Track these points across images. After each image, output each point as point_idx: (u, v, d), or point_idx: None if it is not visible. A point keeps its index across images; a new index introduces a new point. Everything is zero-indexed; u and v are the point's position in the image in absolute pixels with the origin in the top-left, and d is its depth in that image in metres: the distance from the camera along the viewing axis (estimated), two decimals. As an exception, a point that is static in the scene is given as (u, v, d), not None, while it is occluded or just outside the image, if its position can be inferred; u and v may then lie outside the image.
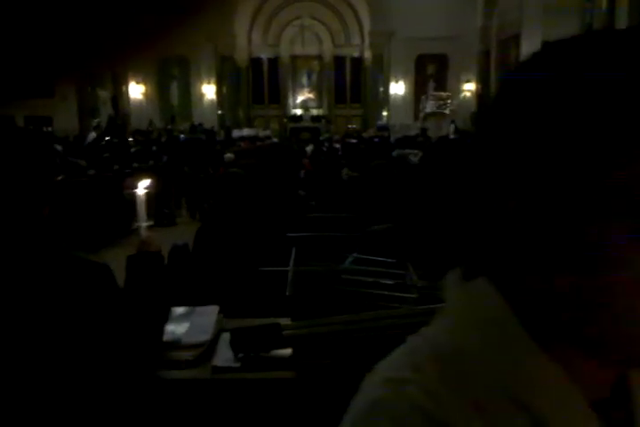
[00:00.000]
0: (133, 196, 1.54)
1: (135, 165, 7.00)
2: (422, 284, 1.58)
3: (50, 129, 16.66)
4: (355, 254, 2.13)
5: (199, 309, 1.67)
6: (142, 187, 1.55)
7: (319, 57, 23.24)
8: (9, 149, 1.10)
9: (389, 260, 1.67)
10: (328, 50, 23.15)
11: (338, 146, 10.34)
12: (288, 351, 1.42)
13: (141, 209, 1.52)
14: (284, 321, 1.50)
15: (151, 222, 1.54)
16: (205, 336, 1.49)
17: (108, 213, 6.40)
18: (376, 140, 13.46)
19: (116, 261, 1.38)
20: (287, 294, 1.43)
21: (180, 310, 1.67)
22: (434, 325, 0.49)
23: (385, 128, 19.04)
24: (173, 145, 9.90)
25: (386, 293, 1.45)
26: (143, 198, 1.53)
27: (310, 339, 1.40)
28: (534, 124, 0.41)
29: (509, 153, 0.43)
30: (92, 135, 13.13)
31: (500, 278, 0.45)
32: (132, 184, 1.61)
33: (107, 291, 1.14)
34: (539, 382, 0.42)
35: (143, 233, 1.49)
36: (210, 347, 1.47)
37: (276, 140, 17.82)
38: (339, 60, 23.08)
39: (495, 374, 0.42)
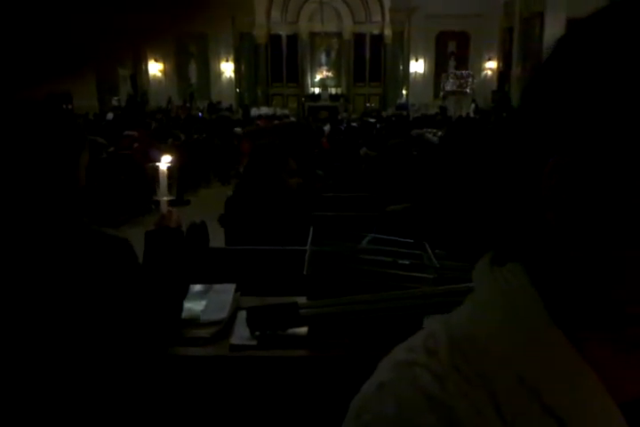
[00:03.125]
0: (156, 170, 1.51)
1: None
2: (440, 264, 1.57)
3: (70, 106, 16.73)
4: (372, 234, 2.13)
5: (216, 286, 1.68)
6: (165, 161, 1.52)
7: (338, 34, 22.95)
8: (44, 125, 1.13)
9: (407, 240, 1.66)
10: (348, 27, 22.84)
11: (355, 124, 10.27)
12: (304, 330, 1.42)
13: (163, 183, 1.49)
14: (301, 300, 1.50)
15: (172, 197, 1.51)
16: (222, 314, 1.50)
17: (128, 191, 6.44)
18: (393, 118, 13.36)
19: (136, 237, 1.37)
20: (304, 273, 1.43)
21: (197, 287, 1.68)
22: (457, 311, 0.47)
23: (404, 107, 18.87)
24: (203, 122, 10.99)
25: (403, 273, 1.44)
26: (165, 172, 1.50)
27: (326, 318, 1.40)
28: (586, 87, 0.37)
29: (556, 118, 0.39)
30: (110, 116, 13.18)
31: (533, 262, 0.42)
32: (155, 157, 1.56)
33: (126, 265, 1.15)
34: (563, 378, 0.39)
35: (163, 208, 1.46)
36: (227, 325, 1.48)
37: (293, 119, 17.77)
38: (358, 38, 22.78)
39: (514, 364, 0.40)
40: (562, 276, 0.40)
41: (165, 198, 1.48)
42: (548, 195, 0.39)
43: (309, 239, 1.60)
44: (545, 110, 0.41)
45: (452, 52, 20.90)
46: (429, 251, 1.60)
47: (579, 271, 0.39)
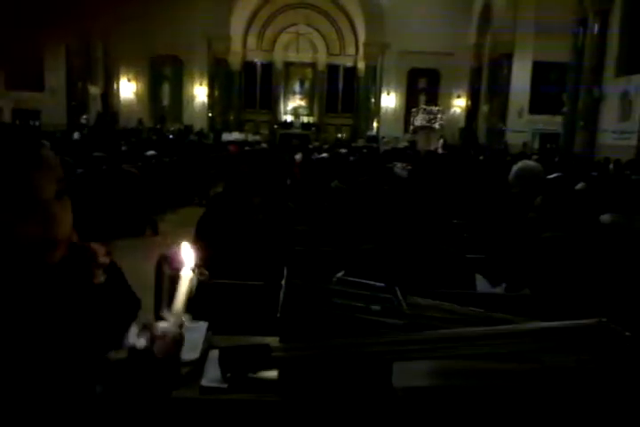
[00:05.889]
0: (176, 276, 1.04)
1: (124, 166, 6.96)
2: (410, 309, 1.60)
3: (37, 123, 16.52)
4: (342, 274, 2.16)
5: (188, 324, 1.67)
6: (189, 264, 1.05)
7: (313, 65, 23.36)
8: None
9: (377, 284, 1.70)
10: (322, 58, 23.28)
11: (326, 155, 10.37)
12: (275, 373, 1.43)
13: (181, 296, 1.04)
14: (273, 340, 1.51)
15: (186, 319, 1.06)
16: (194, 355, 1.49)
17: (98, 212, 6.35)
18: (364, 150, 13.54)
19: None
20: (278, 315, 1.44)
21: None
22: None
23: (375, 139, 19.16)
24: (182, 146, 11.23)
25: (374, 318, 1.47)
26: (188, 283, 1.04)
27: (298, 362, 1.41)
28: None
29: None
30: (77, 135, 13.03)
31: None
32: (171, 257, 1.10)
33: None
34: None
35: (169, 328, 1.02)
36: (198, 365, 1.48)
37: (265, 145, 17.86)
38: (332, 69, 23.22)
39: None
40: None
41: (177, 319, 1.02)
42: None
43: (284, 279, 1.61)
44: None
45: (423, 88, 21.44)
46: (400, 296, 1.63)
47: None
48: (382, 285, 1.78)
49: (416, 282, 2.11)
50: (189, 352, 1.48)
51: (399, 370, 1.37)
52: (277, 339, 1.53)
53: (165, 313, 1.03)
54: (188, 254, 1.04)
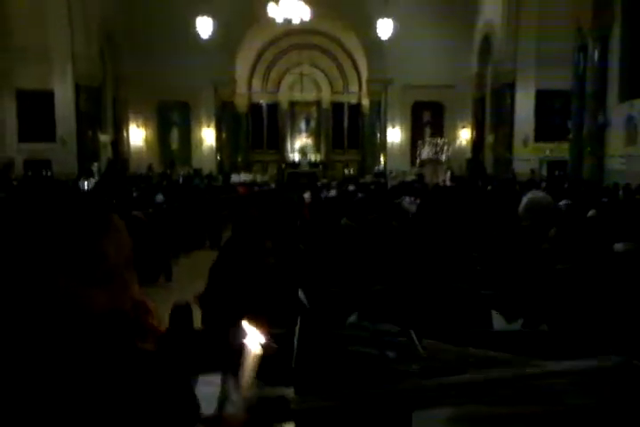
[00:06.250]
0: (242, 350, 1.02)
1: (135, 212, 7.02)
2: (426, 353, 1.58)
3: (49, 173, 16.76)
4: (355, 317, 2.14)
5: (203, 377, 1.66)
6: (257, 340, 1.01)
7: (317, 103, 23.72)
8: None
9: (392, 328, 1.68)
10: (326, 96, 23.66)
11: (335, 193, 10.44)
12: (293, 426, 1.41)
13: (249, 372, 1.01)
14: (288, 391, 1.49)
15: (254, 400, 1.03)
16: (210, 409, 1.47)
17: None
18: (372, 186, 13.60)
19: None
20: (292, 365, 1.43)
21: (182, 377, 1.65)
22: None
23: (382, 174, 19.25)
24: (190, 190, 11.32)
25: (391, 365, 1.45)
26: (255, 357, 1.00)
27: (315, 414, 1.39)
28: None
29: None
30: (84, 183, 13.13)
31: None
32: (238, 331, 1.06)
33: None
34: None
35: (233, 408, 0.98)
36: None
37: (273, 185, 18.00)
38: (337, 107, 23.55)
39: None
40: None
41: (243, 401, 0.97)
42: None
43: (297, 329, 1.60)
44: None
45: (428, 120, 21.64)
46: (415, 339, 1.61)
47: None
48: (397, 328, 1.76)
49: (431, 322, 2.08)
50: (206, 406, 1.46)
51: (419, 418, 1.35)
52: (291, 389, 1.51)
53: (233, 389, 1.01)
54: (253, 330, 1.00)
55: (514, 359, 1.55)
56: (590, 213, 5.36)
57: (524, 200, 3.53)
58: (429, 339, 1.72)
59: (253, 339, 1.00)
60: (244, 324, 1.02)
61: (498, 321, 2.56)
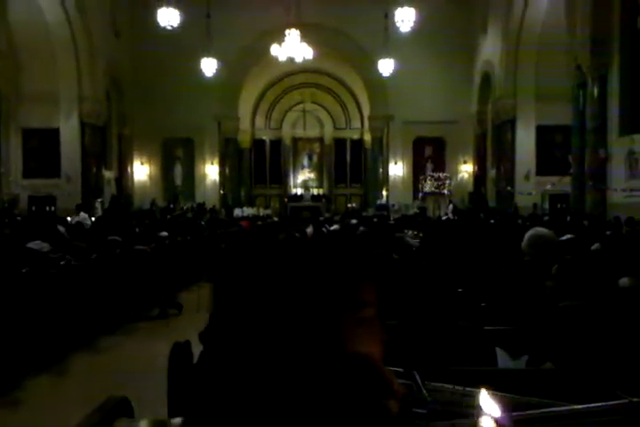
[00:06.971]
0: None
1: (138, 247, 7.02)
2: (431, 395, 1.54)
3: (53, 208, 16.84)
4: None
5: None
6: (493, 415, 0.98)
7: (320, 139, 23.98)
8: None
9: (395, 369, 1.64)
10: (329, 132, 23.93)
11: (337, 226, 10.42)
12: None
13: None
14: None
15: None
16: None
17: (109, 298, 6.34)
18: (375, 220, 13.60)
19: (116, 349, 1.28)
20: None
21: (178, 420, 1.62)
22: None
23: (385, 207, 19.30)
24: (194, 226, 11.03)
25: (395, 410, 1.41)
26: None
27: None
28: None
29: None
30: (86, 220, 12.96)
31: None
32: None
33: None
34: None
35: None
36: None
37: (276, 219, 18.02)
38: (339, 143, 23.80)
39: None
40: None
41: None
42: None
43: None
44: None
45: (430, 155, 21.80)
46: (419, 381, 1.57)
47: None
48: (399, 369, 1.73)
49: (435, 361, 2.04)
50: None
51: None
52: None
53: None
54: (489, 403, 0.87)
55: (519, 401, 1.51)
56: (594, 246, 5.33)
57: (527, 236, 3.52)
58: (433, 380, 1.69)
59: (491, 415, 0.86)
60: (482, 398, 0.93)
61: (502, 358, 2.51)
